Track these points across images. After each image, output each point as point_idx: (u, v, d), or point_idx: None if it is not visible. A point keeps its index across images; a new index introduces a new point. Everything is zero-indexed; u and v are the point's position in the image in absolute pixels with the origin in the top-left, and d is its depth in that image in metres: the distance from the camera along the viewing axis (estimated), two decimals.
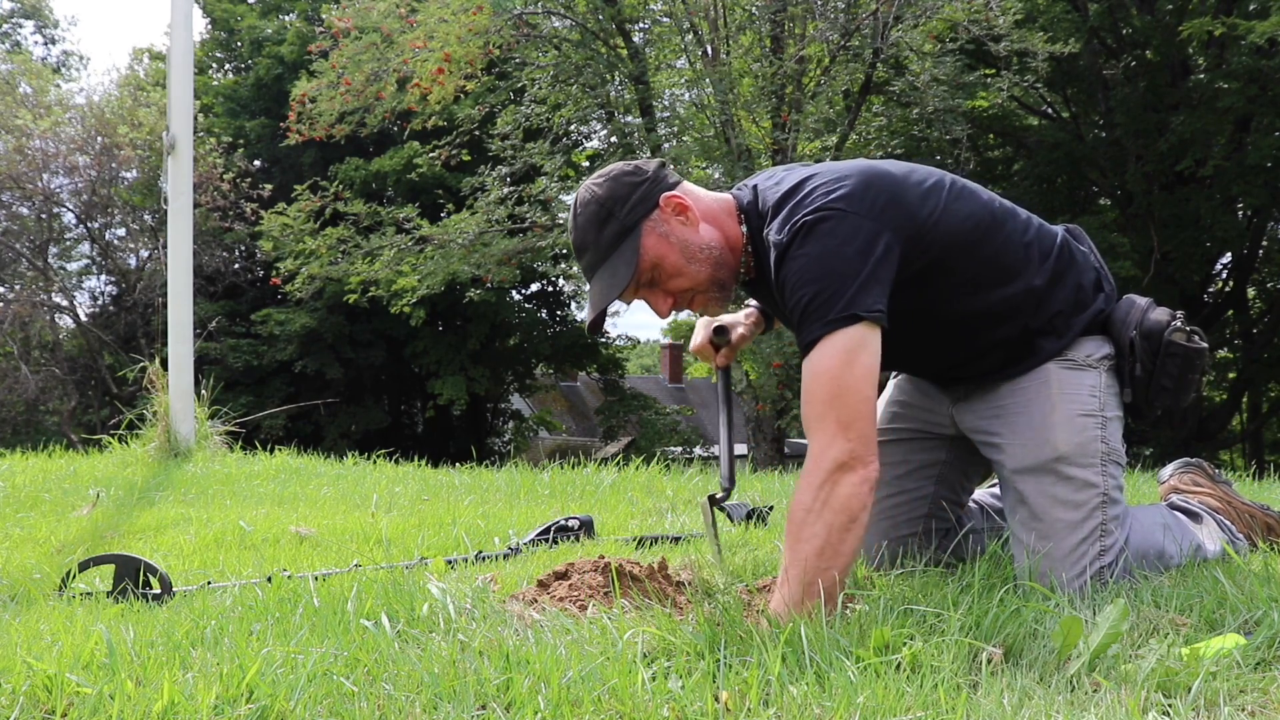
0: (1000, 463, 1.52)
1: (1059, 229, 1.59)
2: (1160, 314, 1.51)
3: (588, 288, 1.52)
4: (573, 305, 18.36)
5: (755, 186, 1.53)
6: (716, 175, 10.09)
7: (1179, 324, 1.50)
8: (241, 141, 15.39)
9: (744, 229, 1.51)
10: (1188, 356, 1.48)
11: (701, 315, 1.55)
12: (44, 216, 14.19)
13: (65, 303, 14.98)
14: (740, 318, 1.77)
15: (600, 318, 1.51)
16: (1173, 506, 1.70)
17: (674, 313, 1.53)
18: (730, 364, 1.75)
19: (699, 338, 1.74)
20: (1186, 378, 1.49)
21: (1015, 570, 1.46)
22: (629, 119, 10.73)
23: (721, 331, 1.73)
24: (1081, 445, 1.46)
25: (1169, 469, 1.84)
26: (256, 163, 16.59)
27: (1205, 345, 1.50)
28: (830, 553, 1.28)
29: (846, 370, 1.34)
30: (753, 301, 1.79)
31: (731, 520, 2.21)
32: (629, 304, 1.55)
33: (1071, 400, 1.48)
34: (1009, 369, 1.51)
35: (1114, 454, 1.48)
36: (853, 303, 1.34)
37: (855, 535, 1.30)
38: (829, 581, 1.26)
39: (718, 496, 1.65)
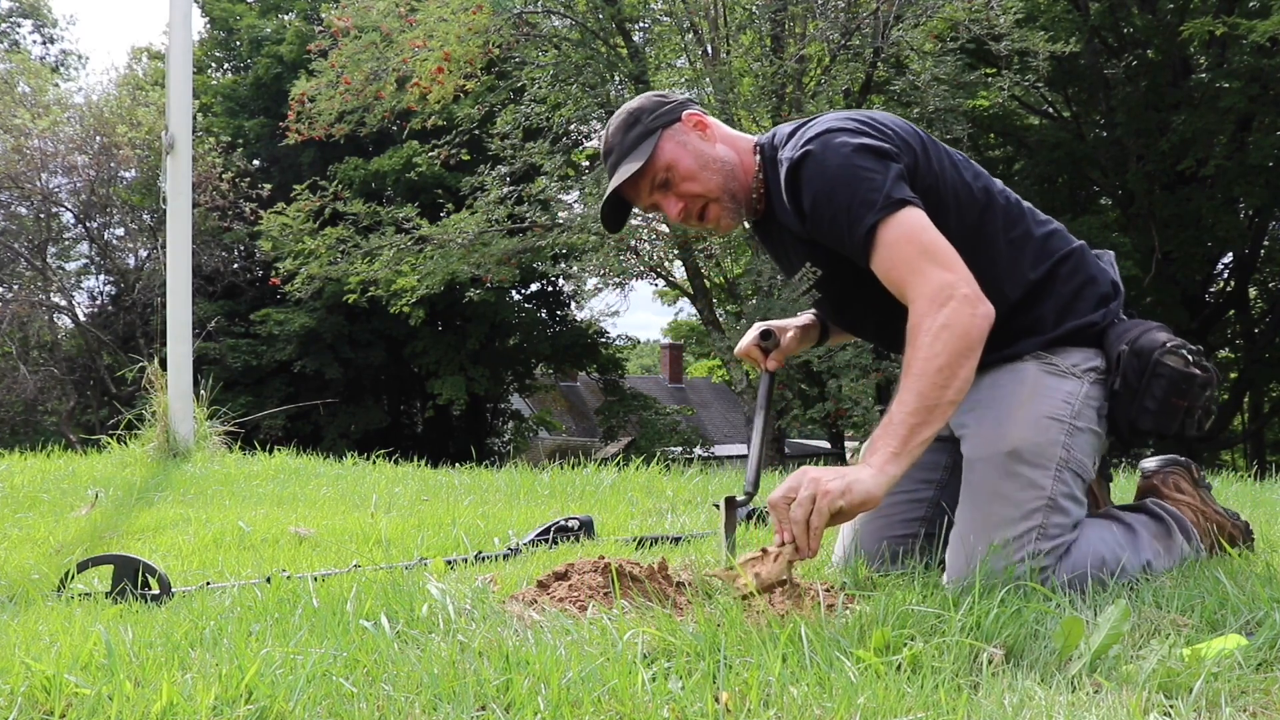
0: (964, 452, 1.51)
1: (1079, 242, 1.58)
2: (1160, 335, 1.47)
3: (608, 186, 1.57)
4: (572, 305, 18.38)
5: (774, 132, 1.60)
6: None
7: (1179, 348, 1.45)
8: (240, 141, 15.39)
9: (758, 160, 1.57)
10: (1175, 380, 1.43)
11: (715, 229, 1.58)
12: (42, 216, 14.19)
13: (64, 302, 14.99)
14: (792, 322, 1.79)
15: (616, 215, 1.59)
16: (1145, 509, 1.64)
17: (686, 220, 1.56)
18: (778, 368, 1.76)
19: (746, 340, 1.77)
20: (1172, 402, 1.43)
21: (947, 557, 1.45)
22: None
23: (769, 335, 1.74)
24: (1039, 446, 1.44)
25: (1154, 462, 1.79)
26: (255, 162, 16.60)
27: (1201, 372, 1.43)
28: (949, 374, 1.30)
29: (924, 233, 1.38)
30: (809, 313, 1.81)
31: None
32: (643, 209, 1.59)
33: (1042, 401, 1.46)
34: (988, 356, 1.45)
35: (1074, 463, 1.45)
36: (894, 191, 1.39)
37: (969, 367, 1.32)
38: (946, 404, 1.30)
39: (738, 499, 1.62)
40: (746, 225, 1.68)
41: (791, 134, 1.53)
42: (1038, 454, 1.44)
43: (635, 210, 1.65)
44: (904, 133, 1.49)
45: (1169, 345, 1.45)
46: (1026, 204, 1.57)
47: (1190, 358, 1.45)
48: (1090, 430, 1.47)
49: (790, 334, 1.76)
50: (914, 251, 1.37)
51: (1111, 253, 1.65)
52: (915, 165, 1.46)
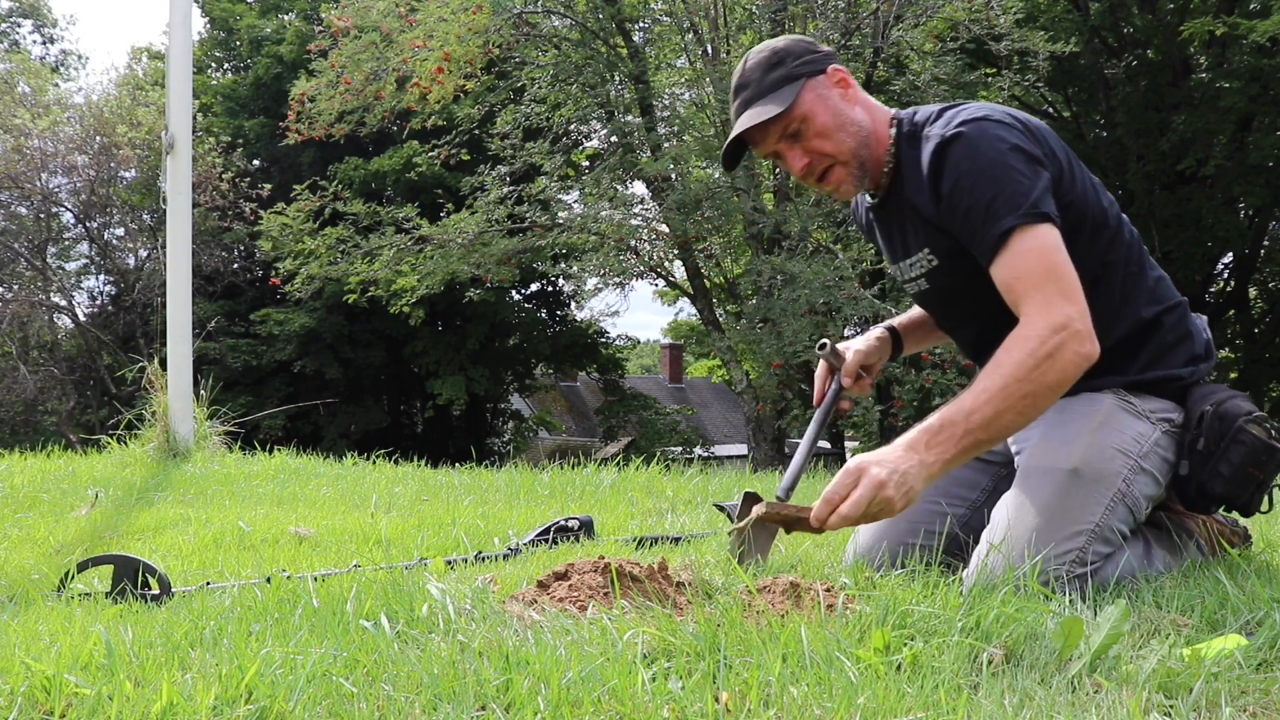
0: (1020, 463, 1.47)
1: (1183, 297, 1.58)
2: (1244, 404, 1.45)
3: (735, 123, 1.51)
4: (572, 305, 18.38)
5: (914, 110, 1.56)
6: (717, 175, 10.09)
7: (1263, 420, 1.43)
8: (240, 141, 15.39)
9: (893, 133, 1.51)
10: (1256, 449, 1.41)
11: (833, 192, 1.53)
12: (42, 216, 14.19)
13: (64, 303, 14.99)
14: (853, 344, 1.76)
15: (735, 155, 1.54)
16: (1155, 520, 1.62)
17: (806, 177, 1.50)
18: (849, 385, 1.72)
19: (819, 373, 1.75)
20: (1247, 471, 1.41)
21: (974, 558, 1.41)
22: (629, 118, 10.73)
23: (835, 353, 1.73)
24: (1101, 473, 1.40)
25: None
26: (255, 162, 16.60)
27: (1276, 443, 1.42)
28: (1031, 403, 1.28)
29: (1056, 254, 1.34)
30: (879, 329, 1.76)
31: (732, 521, 2.20)
32: (762, 155, 1.54)
33: (1113, 432, 1.43)
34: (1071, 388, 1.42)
35: (1131, 499, 1.41)
36: (1040, 203, 1.35)
37: (1051, 403, 1.31)
38: (1013, 429, 1.29)
39: (759, 498, 1.59)
40: (869, 199, 1.60)
41: (940, 113, 1.47)
42: (1098, 479, 1.40)
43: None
44: (1053, 142, 1.44)
45: (1254, 415, 1.43)
46: (1142, 243, 1.55)
47: (1273, 431, 1.43)
48: (1154, 475, 1.44)
49: (852, 353, 1.72)
50: (1043, 270, 1.33)
51: (1205, 317, 1.63)
52: (1059, 178, 1.41)
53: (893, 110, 1.55)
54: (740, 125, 1.49)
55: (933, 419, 1.31)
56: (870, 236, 1.71)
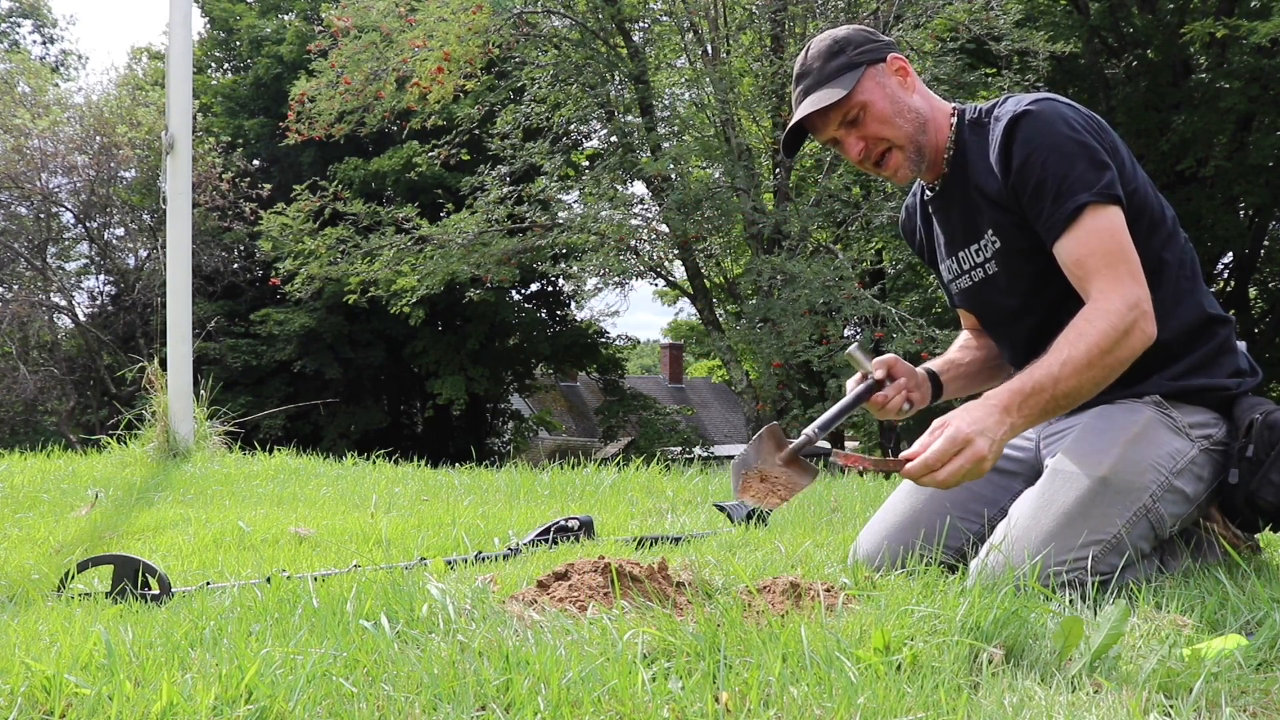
0: (1049, 463, 1.45)
1: (1230, 316, 1.58)
2: None
3: (795, 110, 1.55)
4: (572, 305, 18.38)
5: (977, 106, 1.58)
6: (717, 175, 10.09)
7: None
8: (240, 141, 15.39)
9: (953, 121, 1.55)
10: None
11: (890, 176, 1.54)
12: (42, 216, 14.19)
13: (64, 303, 14.98)
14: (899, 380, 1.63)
15: (795, 141, 1.57)
16: (1186, 533, 1.60)
17: (864, 162, 1.52)
18: (918, 405, 1.62)
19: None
20: None
21: (984, 551, 1.40)
22: (629, 118, 10.74)
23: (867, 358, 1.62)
24: (1130, 484, 1.38)
25: None
26: (255, 162, 16.60)
27: None
28: (1103, 375, 1.33)
29: (1125, 236, 1.37)
30: (922, 369, 1.66)
31: (732, 520, 2.20)
32: (823, 142, 1.55)
33: (1148, 446, 1.41)
34: (1113, 389, 1.42)
35: (1154, 515, 1.40)
36: (1113, 185, 1.37)
37: (1114, 377, 1.36)
38: (1082, 397, 1.33)
39: (787, 433, 1.53)
40: (926, 194, 1.61)
41: (1003, 101, 1.50)
42: (1125, 490, 1.38)
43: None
44: (1112, 133, 1.46)
45: None
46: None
47: None
48: (1184, 494, 1.43)
49: (889, 371, 1.61)
50: (1115, 248, 1.35)
51: (1245, 343, 1.64)
52: (1121, 167, 1.43)
53: (953, 103, 1.59)
54: (801, 111, 1.52)
55: (1023, 381, 1.34)
56: (923, 235, 1.70)
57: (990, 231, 1.52)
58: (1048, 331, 1.41)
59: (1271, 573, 1.45)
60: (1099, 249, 1.36)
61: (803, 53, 1.57)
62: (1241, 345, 1.58)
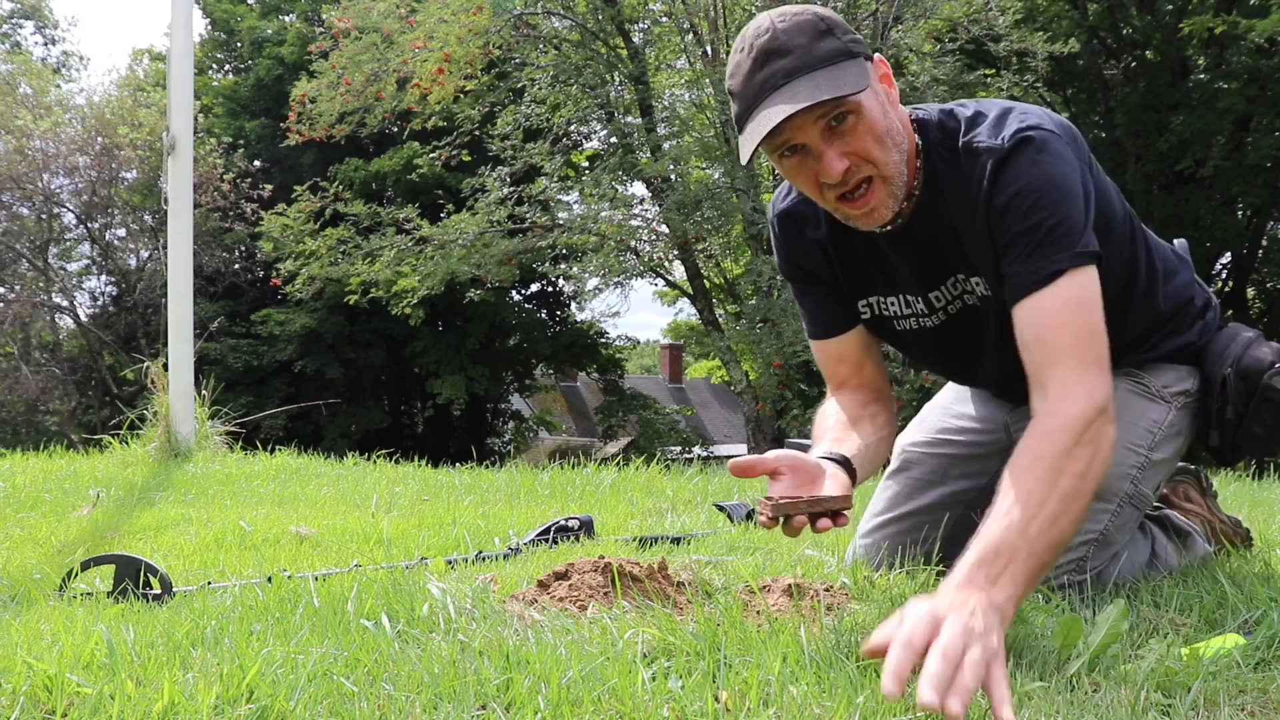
0: None
1: (1169, 243, 1.44)
2: (1264, 351, 1.36)
3: (770, 98, 1.15)
4: (572, 305, 18.39)
5: (928, 111, 1.30)
6: (716, 176, 10.09)
7: None
8: (241, 142, 15.40)
9: (918, 144, 1.27)
10: None
11: (861, 214, 1.23)
12: (44, 217, 14.20)
13: (65, 303, 15.00)
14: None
15: (750, 144, 1.16)
16: (1165, 520, 1.59)
17: (838, 186, 1.20)
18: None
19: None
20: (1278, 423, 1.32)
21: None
22: (629, 119, 10.75)
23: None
24: (1109, 479, 1.27)
25: None
26: (256, 163, 16.60)
27: None
28: (1082, 506, 1.06)
29: (1096, 311, 1.16)
30: (832, 457, 1.25)
31: (732, 520, 2.20)
32: (774, 148, 1.18)
33: (1125, 427, 1.30)
34: None
35: (1138, 498, 1.36)
36: (1091, 239, 1.18)
37: (1088, 502, 1.08)
38: (1074, 524, 1.05)
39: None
40: (875, 228, 1.28)
41: (976, 119, 1.25)
42: (1105, 488, 1.29)
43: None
44: (1086, 147, 1.27)
45: (1276, 366, 1.33)
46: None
47: None
48: (1164, 461, 1.39)
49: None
50: (1083, 329, 1.14)
51: (1185, 242, 1.51)
52: (1094, 194, 1.25)
53: (907, 110, 1.29)
54: (788, 101, 1.13)
55: (982, 549, 1.00)
56: (840, 262, 1.39)
57: (963, 276, 1.31)
58: (1018, 381, 1.20)
59: (1269, 572, 1.46)
60: (1065, 325, 1.15)
61: (755, 27, 1.19)
62: (1182, 246, 1.47)
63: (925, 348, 1.45)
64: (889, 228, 1.31)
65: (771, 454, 1.19)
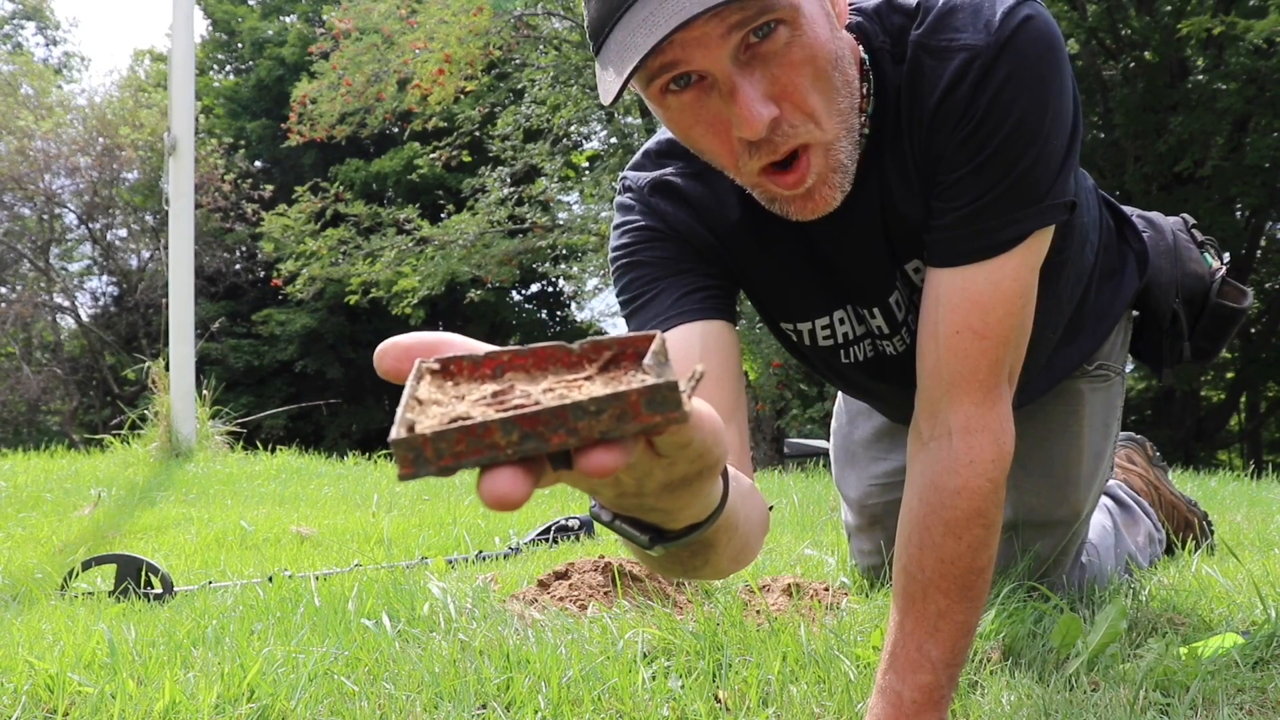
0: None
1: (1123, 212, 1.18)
2: (1195, 263, 1.18)
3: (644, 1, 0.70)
4: (572, 306, 18.41)
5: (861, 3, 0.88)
6: None
7: (1225, 278, 1.18)
8: (242, 142, 15.41)
9: (866, 92, 0.85)
10: (1234, 317, 1.18)
11: (800, 200, 0.81)
12: (46, 217, 14.21)
13: (67, 303, 15.00)
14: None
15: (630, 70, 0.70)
16: (1106, 491, 1.50)
17: (761, 145, 0.76)
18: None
19: None
20: (1226, 332, 1.20)
21: None
22: (629, 120, 10.74)
23: None
24: (1095, 493, 1.23)
25: None
26: (257, 164, 16.61)
27: (1249, 299, 1.18)
28: (981, 593, 0.85)
29: (1032, 297, 0.85)
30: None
31: None
32: (672, 76, 0.73)
33: (1097, 433, 1.19)
34: (1036, 381, 1.13)
35: (1104, 484, 1.26)
36: (1068, 183, 0.84)
37: (985, 586, 0.87)
38: (976, 610, 0.85)
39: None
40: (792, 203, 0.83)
41: (950, 8, 0.82)
42: (1090, 508, 1.23)
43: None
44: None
45: (1215, 284, 1.17)
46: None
47: (1239, 286, 1.20)
48: (1118, 424, 1.25)
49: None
50: (1009, 333, 0.83)
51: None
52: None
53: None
54: (678, 7, 0.68)
55: (882, 702, 0.84)
56: (751, 260, 0.93)
57: (920, 264, 0.92)
58: None
59: (1267, 571, 1.46)
60: (997, 327, 0.82)
61: None
62: (1090, 185, 1.10)
63: (879, 380, 1.05)
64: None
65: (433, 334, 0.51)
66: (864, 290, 0.96)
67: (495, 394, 0.42)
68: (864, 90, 0.85)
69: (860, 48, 0.85)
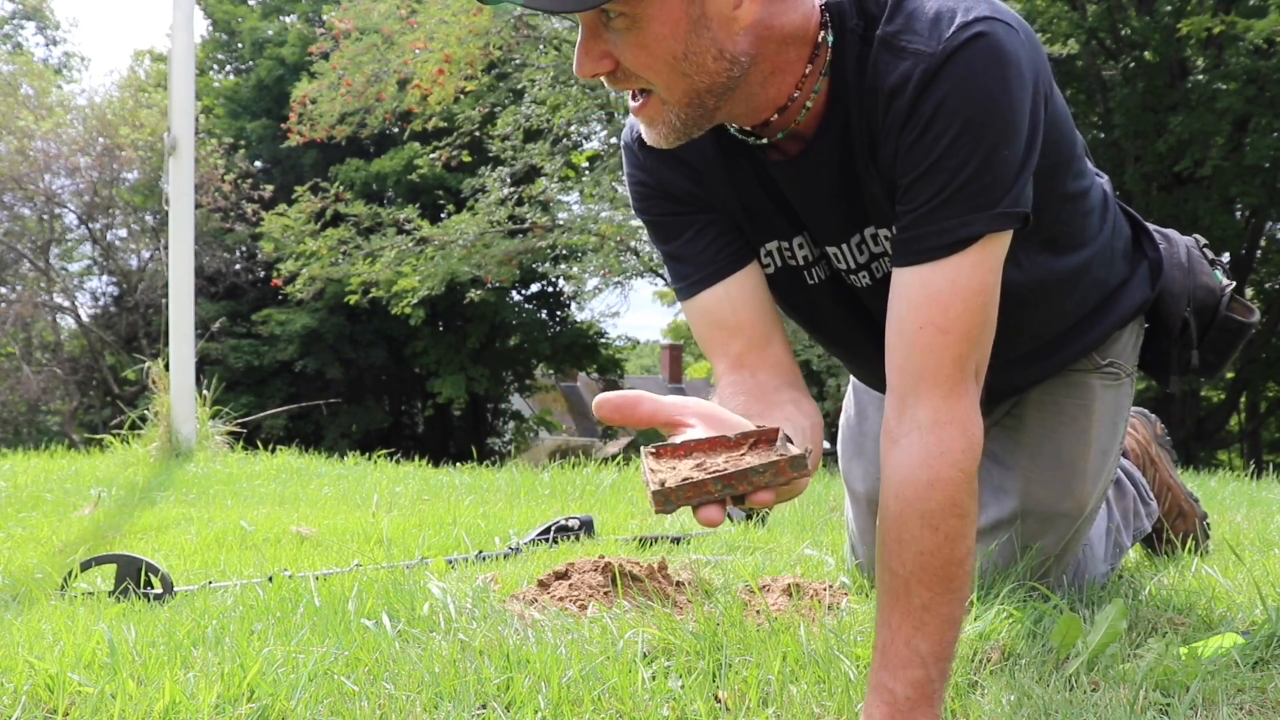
0: (1008, 488, 1.24)
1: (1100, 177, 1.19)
2: (1206, 276, 1.23)
3: None
4: (572, 306, 18.41)
5: None
6: None
7: (1234, 295, 1.23)
8: (243, 142, 15.41)
9: (824, 37, 0.93)
10: (1241, 331, 1.23)
11: (646, 130, 0.94)
12: (46, 217, 14.21)
13: (67, 303, 15.00)
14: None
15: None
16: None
17: (585, 78, 0.92)
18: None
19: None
20: (1233, 346, 1.24)
21: None
22: (629, 120, 10.73)
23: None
24: (1100, 491, 1.25)
25: None
26: (257, 164, 16.61)
27: (1256, 316, 1.24)
28: (962, 592, 0.87)
29: (994, 303, 0.90)
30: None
31: (731, 520, 2.20)
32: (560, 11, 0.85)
33: (1106, 430, 1.22)
34: (1029, 370, 1.18)
35: (1111, 481, 1.29)
36: (1022, 194, 0.89)
37: (966, 584, 0.88)
38: (960, 602, 0.86)
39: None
40: (758, 145, 1.00)
41: (906, 7, 0.91)
42: (1097, 504, 1.25)
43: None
44: (1042, 54, 0.95)
45: (1224, 298, 1.22)
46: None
47: (1247, 303, 1.25)
48: (1125, 425, 1.28)
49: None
50: (976, 327, 0.87)
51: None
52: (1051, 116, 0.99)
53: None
54: None
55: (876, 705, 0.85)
56: (717, 199, 1.05)
57: (873, 231, 1.03)
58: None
59: (1268, 571, 1.46)
60: (959, 323, 0.86)
61: None
62: (1106, 181, 1.21)
63: (849, 311, 1.11)
64: (774, 151, 0.99)
65: (673, 399, 0.78)
66: (821, 230, 1.06)
67: (698, 464, 0.71)
68: (810, 69, 0.94)
69: (826, 28, 0.94)
